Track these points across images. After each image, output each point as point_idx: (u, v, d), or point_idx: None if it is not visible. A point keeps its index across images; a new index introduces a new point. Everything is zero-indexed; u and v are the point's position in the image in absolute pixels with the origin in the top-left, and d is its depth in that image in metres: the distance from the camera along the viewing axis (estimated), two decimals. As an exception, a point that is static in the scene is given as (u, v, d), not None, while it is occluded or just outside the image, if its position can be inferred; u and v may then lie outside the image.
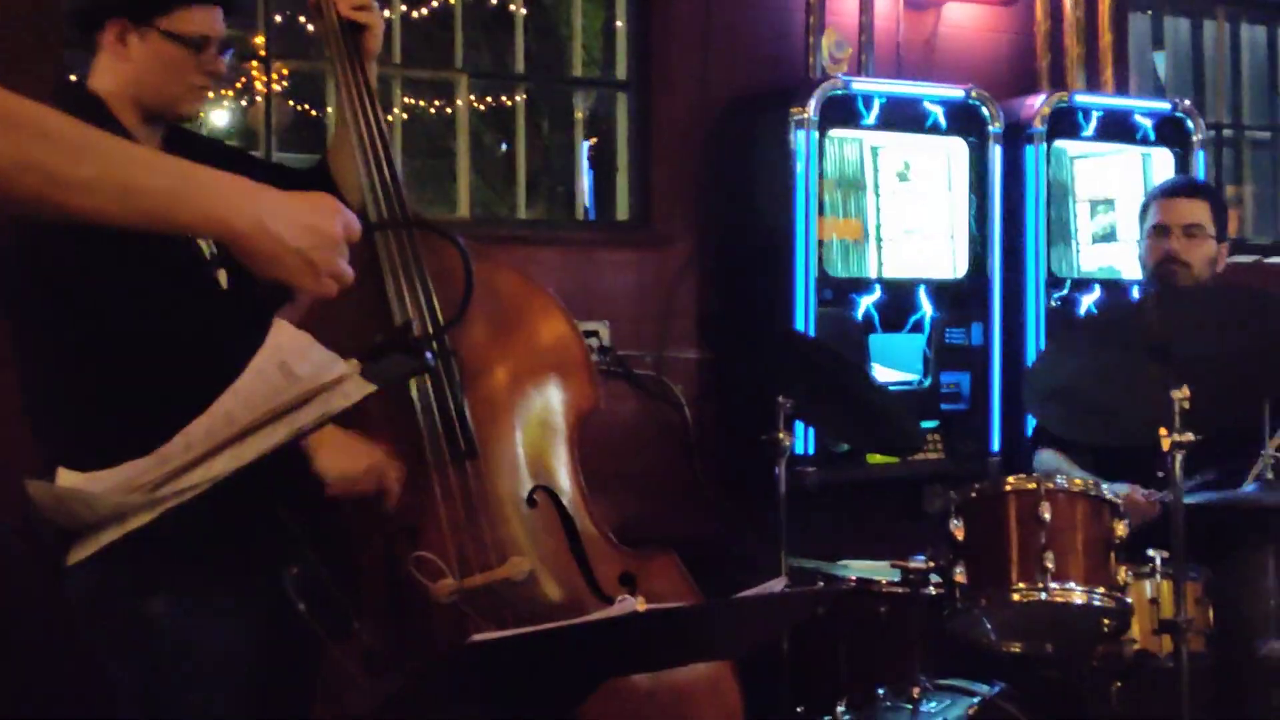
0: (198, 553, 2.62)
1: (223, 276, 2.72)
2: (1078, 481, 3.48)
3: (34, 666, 3.58)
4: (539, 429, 3.07)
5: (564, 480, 3.05)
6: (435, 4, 5.04)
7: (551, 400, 3.11)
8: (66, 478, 2.23)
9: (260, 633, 2.80)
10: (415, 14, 5.03)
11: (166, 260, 2.63)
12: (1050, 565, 3.37)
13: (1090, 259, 5.31)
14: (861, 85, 4.84)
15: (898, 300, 4.90)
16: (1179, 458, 3.30)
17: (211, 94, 3.02)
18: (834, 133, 4.78)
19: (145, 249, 2.54)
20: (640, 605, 2.52)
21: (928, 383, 4.89)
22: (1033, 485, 3.46)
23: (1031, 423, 4.37)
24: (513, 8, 5.07)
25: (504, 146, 5.29)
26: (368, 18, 2.97)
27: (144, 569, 2.51)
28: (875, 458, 4.68)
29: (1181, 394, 3.29)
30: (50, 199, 1.51)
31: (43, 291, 2.65)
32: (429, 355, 2.15)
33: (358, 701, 2.69)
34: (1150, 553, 3.44)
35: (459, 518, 2.86)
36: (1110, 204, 5.32)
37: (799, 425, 4.26)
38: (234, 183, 1.67)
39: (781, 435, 3.70)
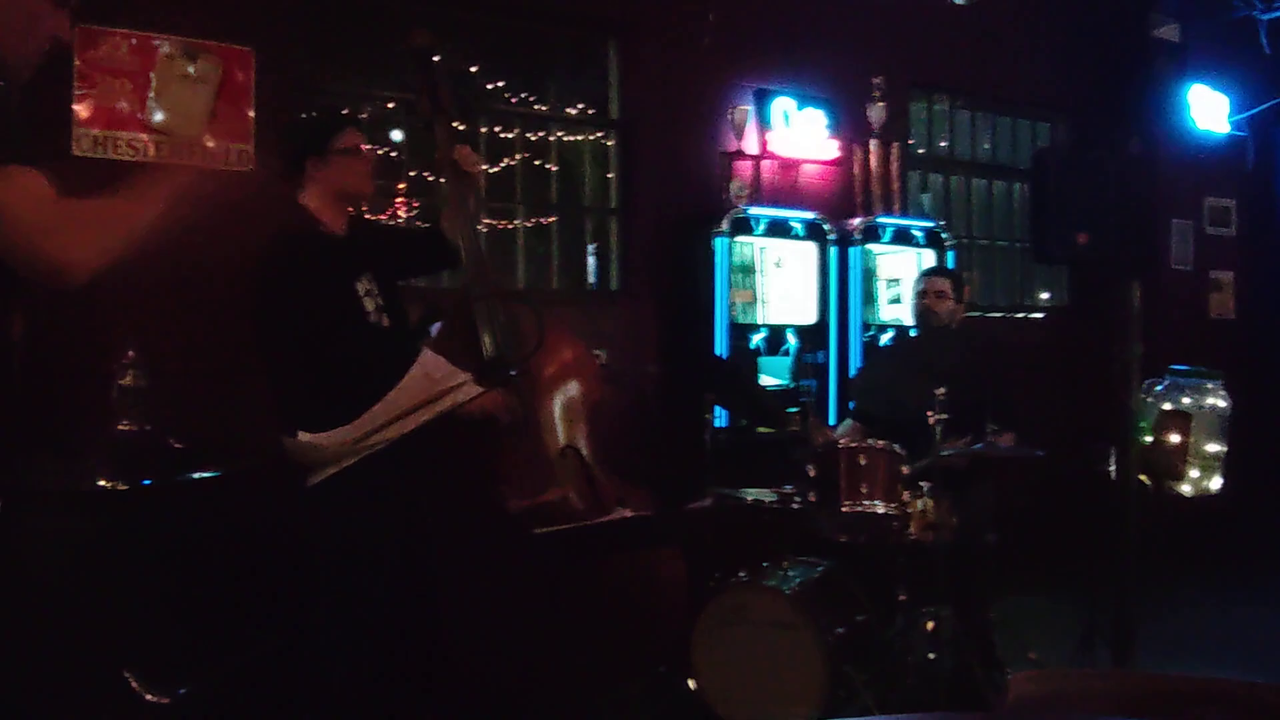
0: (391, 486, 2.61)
1: (385, 320, 2.70)
2: (880, 443, 3.50)
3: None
4: (568, 411, 3.10)
5: (583, 442, 3.08)
6: (504, 164, 5.07)
7: (575, 394, 3.13)
8: (304, 436, 2.28)
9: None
10: (492, 169, 5.05)
11: (348, 311, 2.64)
12: (864, 490, 3.43)
13: (886, 313, 5.35)
14: (755, 210, 4.86)
15: (775, 336, 4.92)
16: (938, 429, 3.38)
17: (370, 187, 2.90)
18: (739, 238, 4.80)
19: (336, 305, 2.56)
20: (627, 513, 2.58)
21: (793, 385, 4.91)
22: (855, 444, 3.52)
23: (852, 407, 4.41)
24: (549, 166, 5.10)
25: (541, 250, 5.30)
26: (475, 169, 2.98)
27: (360, 490, 2.49)
28: (762, 429, 4.71)
29: (940, 391, 3.36)
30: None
31: (283, 327, 2.60)
32: (511, 373, 2.21)
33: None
34: (921, 484, 3.49)
35: (523, 463, 2.90)
36: (898, 281, 5.37)
37: (717, 409, 4.29)
38: None
39: (707, 415, 3.74)
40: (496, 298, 2.89)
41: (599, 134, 5.19)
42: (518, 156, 4.95)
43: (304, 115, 3.24)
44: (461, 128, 4.61)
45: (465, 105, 4.70)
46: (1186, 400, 4.70)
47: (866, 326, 5.16)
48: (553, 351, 3.06)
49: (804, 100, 5.29)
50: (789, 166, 5.31)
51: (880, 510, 3.40)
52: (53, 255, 1.35)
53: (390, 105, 4.56)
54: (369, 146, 2.84)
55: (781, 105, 5.22)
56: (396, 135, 4.61)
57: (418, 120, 3.01)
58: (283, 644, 2.57)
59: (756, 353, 4.83)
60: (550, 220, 5.21)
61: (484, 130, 4.83)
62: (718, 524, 3.44)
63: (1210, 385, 4.74)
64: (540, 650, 2.71)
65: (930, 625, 3.41)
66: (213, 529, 2.93)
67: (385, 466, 2.44)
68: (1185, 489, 4.67)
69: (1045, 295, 6.80)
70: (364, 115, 4.42)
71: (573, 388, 3.13)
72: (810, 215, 5.02)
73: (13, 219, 1.35)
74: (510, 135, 4.94)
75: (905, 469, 3.45)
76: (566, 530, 2.27)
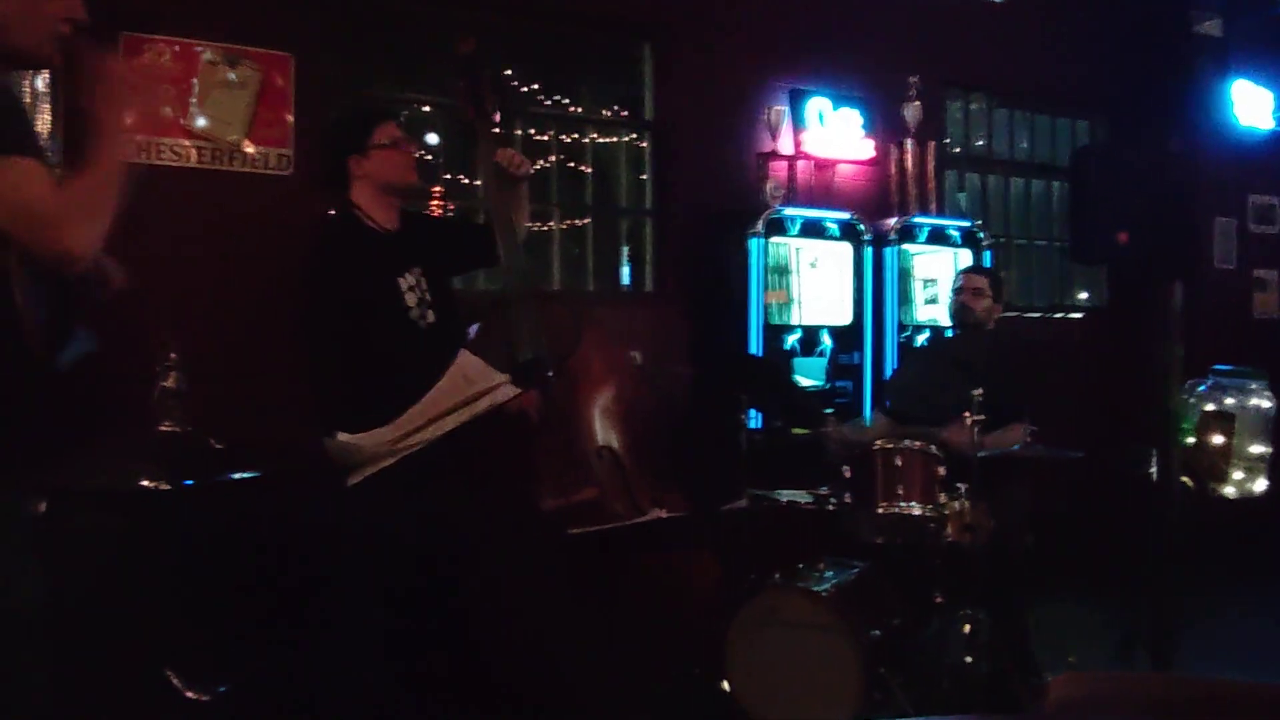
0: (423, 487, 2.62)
1: (430, 316, 2.69)
2: (916, 444, 3.45)
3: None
4: (604, 412, 3.09)
5: (618, 443, 3.07)
6: (539, 165, 5.08)
7: (611, 395, 3.13)
8: (343, 437, 2.29)
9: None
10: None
11: (385, 307, 2.64)
12: (901, 492, 3.39)
13: (922, 314, 5.30)
14: (789, 211, 4.84)
15: (810, 337, 4.89)
16: (976, 429, 3.33)
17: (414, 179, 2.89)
18: (773, 238, 4.78)
19: (373, 300, 2.57)
20: (663, 514, 2.56)
21: (828, 386, 4.89)
22: (891, 445, 3.47)
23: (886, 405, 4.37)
24: (584, 168, 5.11)
25: (576, 251, 5.31)
26: (519, 172, 2.95)
27: (395, 490, 2.51)
28: (797, 430, 4.67)
29: (977, 392, 3.31)
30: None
31: (321, 322, 2.61)
32: (549, 375, 2.20)
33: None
34: (958, 486, 3.44)
35: (558, 463, 2.90)
36: (934, 281, 5.33)
37: (752, 411, 4.27)
38: None
39: (742, 416, 3.72)
40: (534, 299, 2.88)
41: (633, 136, 5.19)
42: (552, 159, 4.96)
43: (339, 114, 3.24)
44: (498, 132, 4.63)
45: (510, 110, 4.72)
46: (1230, 401, 4.61)
47: (902, 327, 5.12)
48: (589, 353, 3.05)
49: (839, 100, 5.26)
50: (824, 166, 5.28)
51: (916, 512, 3.36)
52: (58, 240, 1.36)
53: (426, 108, 4.59)
54: (407, 138, 2.84)
55: (816, 105, 5.19)
56: (433, 138, 4.63)
57: (460, 125, 3.02)
58: (320, 643, 2.58)
59: (791, 353, 4.81)
60: (585, 222, 5.22)
61: (519, 133, 4.84)
62: (753, 525, 3.42)
63: (1254, 386, 4.65)
64: (573, 651, 2.70)
65: (967, 628, 3.35)
66: (253, 529, 2.96)
67: (422, 467, 2.45)
68: (1229, 491, 4.58)
69: (1084, 295, 6.70)
70: (400, 119, 4.45)
71: (609, 389, 3.12)
72: (845, 215, 4.99)
73: (18, 205, 1.37)
74: (545, 138, 4.96)
75: (942, 470, 3.40)
76: (601, 530, 2.26)
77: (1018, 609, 3.66)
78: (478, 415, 2.00)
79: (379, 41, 4.50)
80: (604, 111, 5.14)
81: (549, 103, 4.94)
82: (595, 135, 5.12)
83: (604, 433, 3.05)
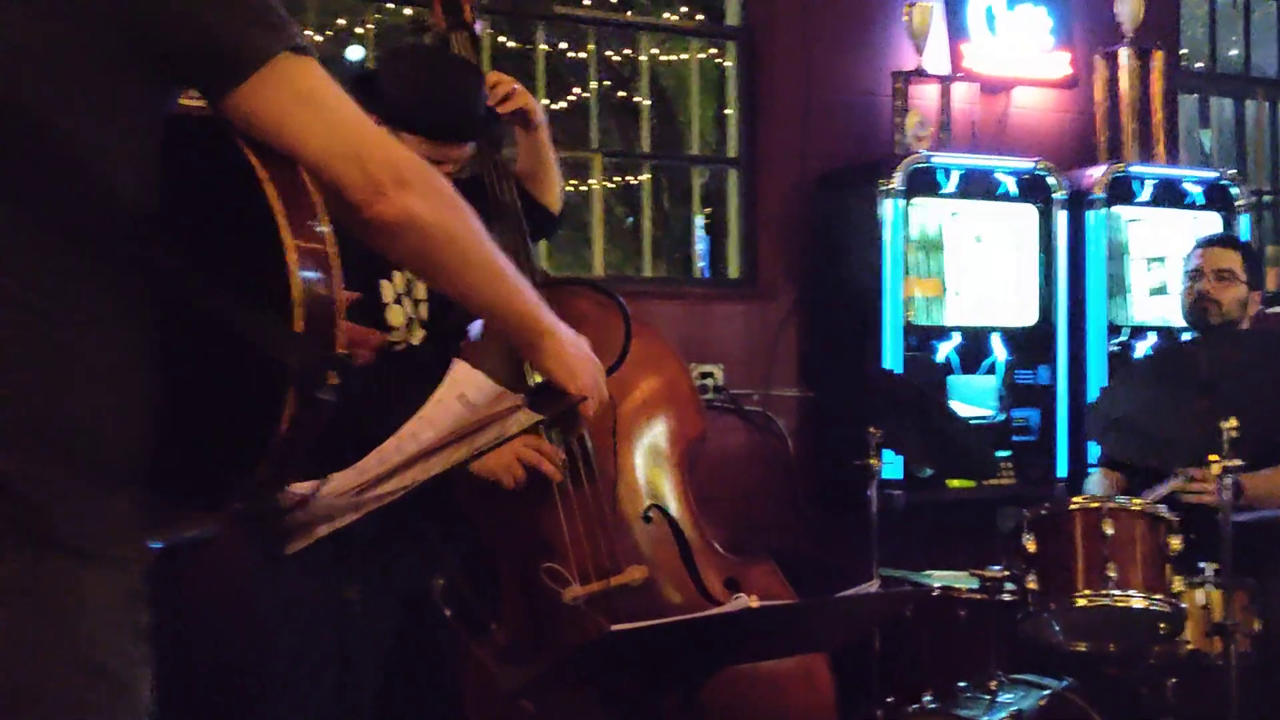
0: (377, 554, 2.69)
1: (416, 337, 2.79)
2: (1137, 501, 3.44)
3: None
4: (653, 455, 3.09)
5: (675, 499, 3.06)
6: (574, 96, 5.12)
7: (664, 430, 3.12)
8: (296, 486, 2.31)
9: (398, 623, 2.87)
10: (555, 105, 5.11)
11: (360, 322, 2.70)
12: (1112, 574, 3.35)
13: (1144, 310, 5.22)
14: (941, 159, 4.81)
15: (975, 345, 4.86)
16: (1229, 481, 3.27)
17: None
18: (917, 200, 4.76)
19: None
20: (753, 602, 2.55)
21: (1001, 417, 4.84)
22: (1096, 504, 3.45)
23: (1094, 450, 4.33)
24: (638, 99, 5.13)
25: (630, 219, 5.34)
26: (510, 107, 2.98)
27: (343, 561, 2.58)
28: (955, 482, 4.66)
29: (1230, 424, 3.26)
30: (447, 266, 1.58)
31: None
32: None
33: (503, 683, 2.73)
34: (1202, 565, 3.40)
35: (583, 532, 2.88)
36: (1162, 260, 5.25)
37: (887, 453, 4.24)
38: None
39: (873, 461, 3.70)
40: (559, 290, 2.90)
41: (712, 50, 5.21)
42: (594, 86, 5.00)
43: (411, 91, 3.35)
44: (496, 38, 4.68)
45: (523, 13, 4.78)
46: None
47: (1114, 330, 5.08)
48: (635, 367, 3.03)
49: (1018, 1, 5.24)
50: (995, 91, 5.28)
51: (1139, 605, 3.33)
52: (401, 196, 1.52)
53: (403, 17, 4.66)
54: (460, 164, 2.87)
55: (983, 1, 5.17)
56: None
57: (431, 38, 3.08)
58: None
59: (946, 369, 4.79)
60: (642, 178, 5.25)
61: (544, 48, 4.89)
62: (888, 620, 3.38)
63: None
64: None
65: (1218, 783, 3.30)
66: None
67: (390, 530, 2.49)
68: None
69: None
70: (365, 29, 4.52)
71: (661, 420, 3.12)
72: (1028, 165, 4.96)
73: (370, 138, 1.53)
74: (581, 54, 5.00)
75: (1178, 541, 3.35)
76: (653, 626, 2.25)
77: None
78: (479, 452, 2.01)
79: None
80: (668, 14, 5.17)
81: (587, 1, 4.99)
82: (655, 50, 5.15)
83: (653, 486, 3.05)
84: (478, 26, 3.07)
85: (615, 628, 2.24)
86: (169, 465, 1.43)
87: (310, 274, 1.34)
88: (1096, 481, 4.03)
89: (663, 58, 5.21)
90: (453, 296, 1.69)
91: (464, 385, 2.17)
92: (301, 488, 2.15)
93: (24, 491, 1.31)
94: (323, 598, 2.68)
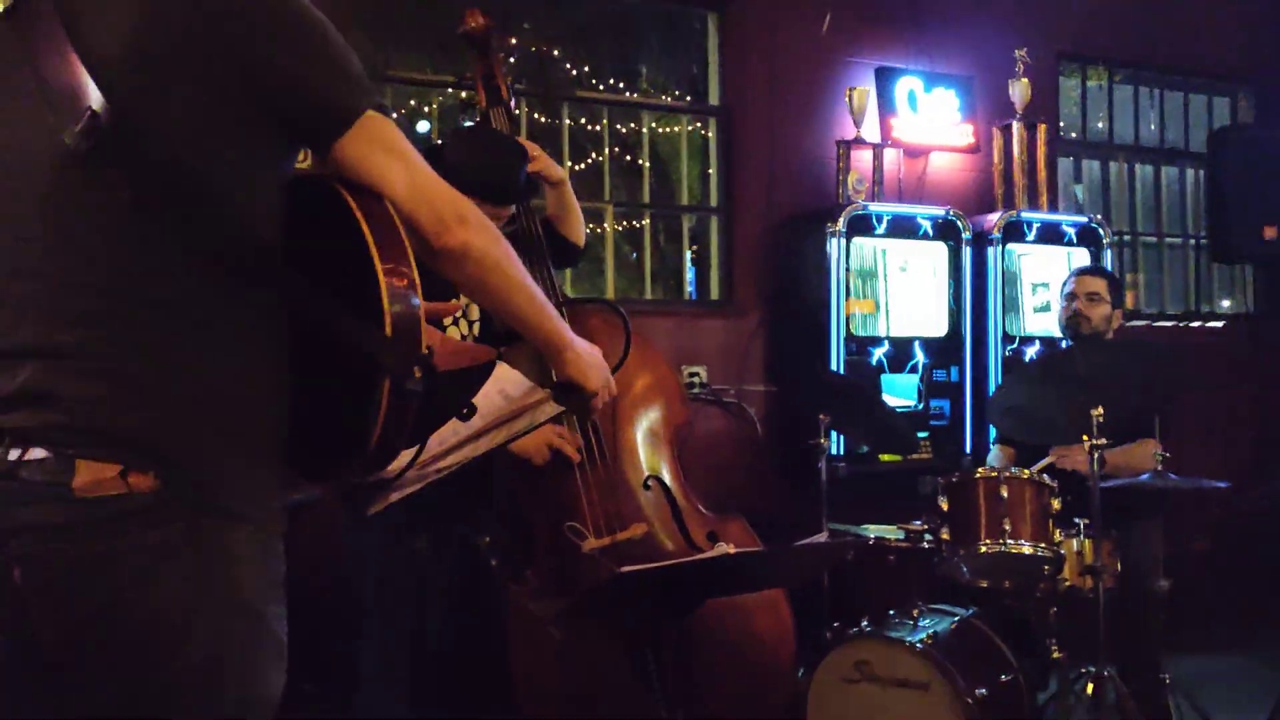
0: (443, 516, 2.69)
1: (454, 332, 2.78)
2: (1026, 471, 3.42)
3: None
4: (650, 438, 3.09)
5: (667, 472, 3.07)
6: (590, 160, 5.11)
7: (657, 418, 3.12)
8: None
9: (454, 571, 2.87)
10: (577, 167, 5.10)
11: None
12: (1007, 527, 3.33)
13: (1032, 324, 5.21)
14: (875, 207, 4.80)
15: (901, 351, 4.85)
16: (1097, 456, 3.26)
17: None
18: (856, 239, 4.75)
19: None
20: (730, 549, 2.54)
21: (921, 407, 4.83)
22: (994, 474, 3.42)
23: (992, 431, 4.32)
24: (641, 161, 5.13)
25: (634, 255, 5.33)
26: (540, 165, 2.99)
27: (414, 520, 2.57)
28: (886, 456, 4.65)
29: (1097, 412, 3.25)
30: (495, 289, 1.55)
31: None
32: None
33: (537, 613, 2.72)
34: (1076, 520, 3.39)
35: (596, 498, 2.89)
36: (1045, 285, 5.24)
37: (834, 434, 4.23)
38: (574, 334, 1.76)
39: (822, 441, 3.70)
40: (573, 305, 2.90)
41: (696, 123, 5.20)
42: (606, 152, 4.99)
43: (464, 155, 3.31)
44: (537, 118, 4.67)
45: (551, 96, 4.76)
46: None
47: (1008, 339, 5.06)
48: (633, 369, 3.06)
49: (933, 79, 5.23)
50: (916, 155, 5.26)
51: (1028, 551, 3.32)
52: (461, 229, 1.51)
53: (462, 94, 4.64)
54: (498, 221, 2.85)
55: (907, 85, 5.17)
56: (424, 127, 4.70)
57: (475, 114, 3.07)
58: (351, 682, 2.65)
59: (879, 369, 4.78)
60: (643, 223, 5.24)
61: (567, 121, 4.89)
62: (833, 564, 3.38)
63: None
64: (625, 711, 2.69)
65: (1090, 689, 3.29)
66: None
67: (447, 498, 2.49)
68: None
69: (1226, 302, 6.54)
70: (430, 108, 4.51)
71: (655, 410, 3.12)
72: (941, 211, 4.95)
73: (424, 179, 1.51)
74: (596, 128, 4.99)
75: (1057, 502, 3.34)
76: (652, 569, 2.24)
77: (1151, 666, 3.58)
78: (516, 436, 2.01)
79: (401, 21, 4.57)
80: (663, 95, 5.16)
81: (601, 86, 4.98)
82: (653, 123, 5.14)
83: (650, 461, 3.04)
84: (512, 104, 3.07)
85: (623, 570, 2.24)
86: (297, 444, 1.43)
87: (396, 290, 1.34)
88: (995, 455, 4.02)
89: (660, 130, 5.19)
90: (496, 314, 1.69)
91: (504, 382, 2.17)
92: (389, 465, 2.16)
93: (186, 465, 1.31)
94: (396, 548, 2.69)
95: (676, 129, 5.23)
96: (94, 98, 1.28)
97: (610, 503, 2.88)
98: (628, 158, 5.14)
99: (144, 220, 1.31)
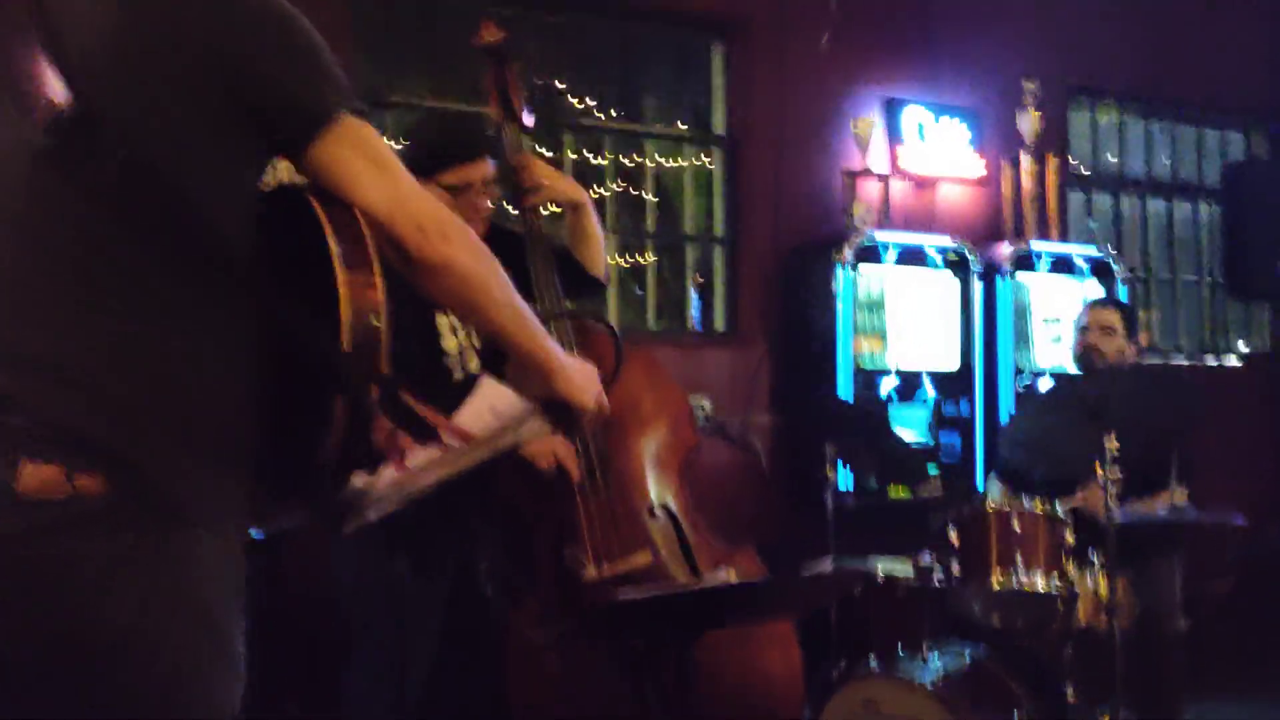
0: (426, 537, 2.64)
1: (472, 364, 2.70)
2: (1040, 505, 3.37)
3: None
4: (657, 462, 3.03)
5: (674, 499, 2.99)
6: (595, 194, 5.10)
7: (665, 443, 3.06)
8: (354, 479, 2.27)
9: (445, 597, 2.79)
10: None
11: (418, 353, 2.66)
12: (1021, 563, 3.29)
13: (1043, 357, 5.15)
14: (882, 237, 4.78)
15: (909, 384, 4.79)
16: (1112, 490, 3.21)
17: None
18: (863, 268, 4.72)
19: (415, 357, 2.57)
20: (731, 577, 2.49)
21: (932, 443, 4.76)
22: (1007, 508, 3.38)
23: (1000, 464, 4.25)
24: (645, 194, 5.12)
25: (639, 291, 5.32)
26: (533, 183, 2.90)
27: (393, 541, 2.53)
28: (895, 493, 4.59)
29: (1112, 444, 3.20)
30: (477, 305, 1.52)
31: None
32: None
33: (536, 640, 2.66)
34: (1092, 555, 3.34)
35: (599, 525, 2.82)
36: (1058, 319, 5.19)
37: (841, 466, 4.17)
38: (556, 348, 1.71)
39: (829, 472, 3.65)
40: (566, 319, 2.85)
41: (702, 155, 5.19)
42: (610, 186, 4.98)
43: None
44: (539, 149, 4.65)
45: (550, 120, 4.75)
46: None
47: (1019, 372, 5.00)
48: (641, 390, 3.00)
49: (941, 109, 5.21)
50: (924, 187, 5.23)
51: (1041, 588, 3.27)
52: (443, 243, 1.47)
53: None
54: (485, 186, 2.75)
55: (914, 116, 5.15)
56: None
57: (492, 129, 3.03)
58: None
59: (888, 402, 4.72)
60: (646, 257, 5.21)
61: (571, 155, 4.87)
62: (841, 596, 3.31)
63: None
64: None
65: (1107, 732, 3.22)
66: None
67: (433, 517, 2.44)
68: None
69: (1242, 340, 6.49)
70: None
71: (663, 432, 3.06)
72: (950, 242, 4.93)
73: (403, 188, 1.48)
74: (601, 161, 4.98)
75: (1070, 536, 3.29)
76: (650, 597, 2.19)
77: (1169, 709, 3.51)
78: (499, 451, 1.96)
79: (412, 40, 4.58)
80: (666, 127, 5.15)
81: (603, 117, 4.97)
82: (657, 155, 5.13)
83: (657, 487, 2.98)
84: (528, 120, 3.00)
85: (621, 598, 2.19)
86: (260, 455, 1.39)
87: (357, 305, 1.31)
88: (996, 488, 3.95)
89: (665, 162, 5.18)
90: (481, 331, 1.65)
91: (493, 397, 2.13)
92: (359, 480, 2.11)
93: (153, 474, 1.27)
94: (389, 572, 2.62)
95: (681, 160, 5.21)
96: (57, 91, 1.26)
97: (613, 530, 2.82)
98: (633, 192, 5.13)
99: (113, 222, 1.28)
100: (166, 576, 1.26)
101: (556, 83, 4.86)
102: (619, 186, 5.07)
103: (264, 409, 1.36)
